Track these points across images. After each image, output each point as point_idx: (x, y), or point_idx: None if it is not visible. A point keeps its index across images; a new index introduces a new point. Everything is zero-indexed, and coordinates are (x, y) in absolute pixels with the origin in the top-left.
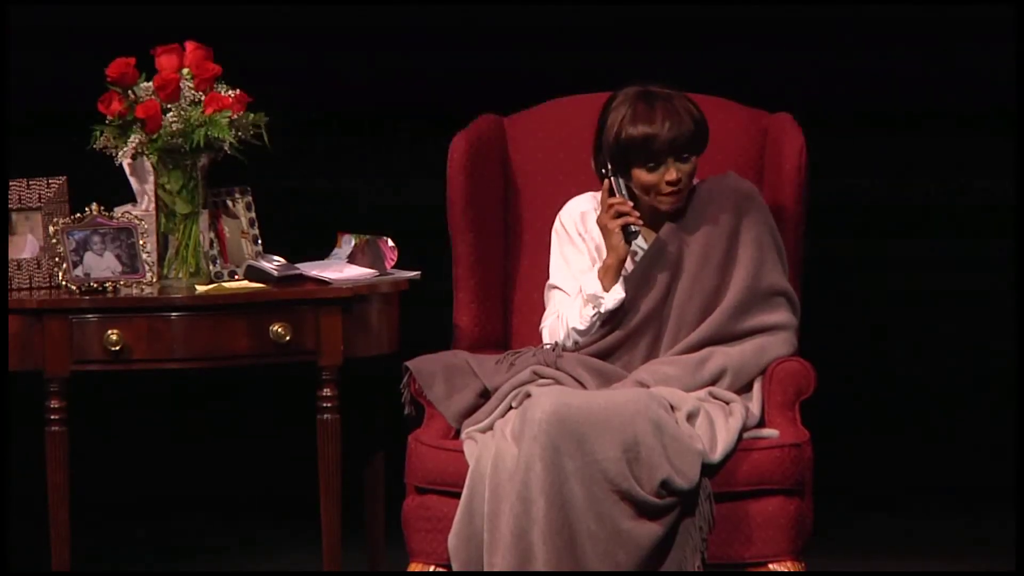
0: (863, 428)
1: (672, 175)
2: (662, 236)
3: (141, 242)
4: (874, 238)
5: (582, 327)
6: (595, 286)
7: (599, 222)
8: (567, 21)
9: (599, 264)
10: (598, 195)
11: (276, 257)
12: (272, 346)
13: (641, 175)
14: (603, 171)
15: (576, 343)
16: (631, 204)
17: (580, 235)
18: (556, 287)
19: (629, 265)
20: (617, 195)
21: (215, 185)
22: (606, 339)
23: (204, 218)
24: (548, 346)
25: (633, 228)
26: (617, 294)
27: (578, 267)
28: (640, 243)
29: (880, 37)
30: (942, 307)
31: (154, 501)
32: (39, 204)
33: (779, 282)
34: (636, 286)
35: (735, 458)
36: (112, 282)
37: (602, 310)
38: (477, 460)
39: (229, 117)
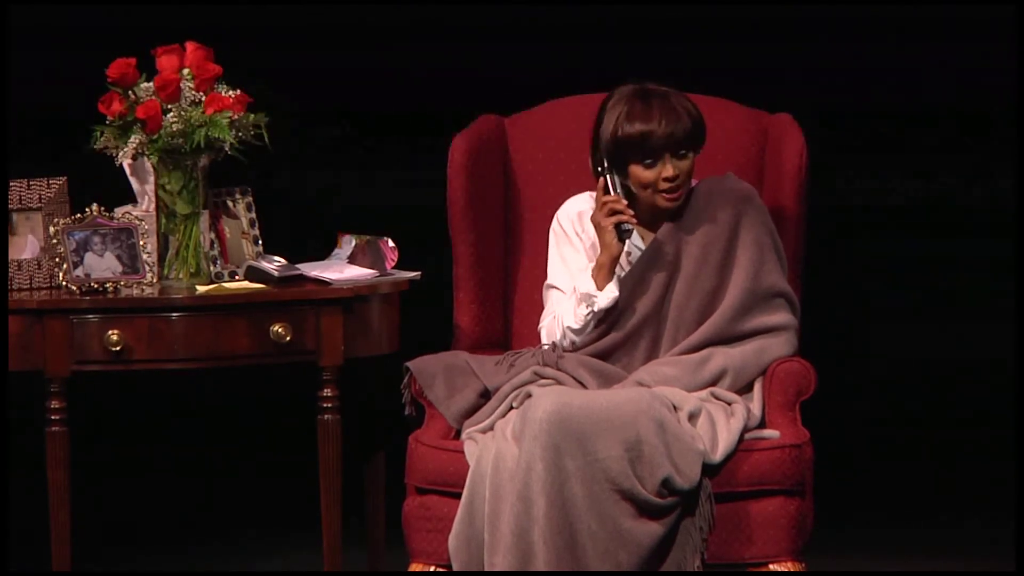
0: (863, 428)
1: (669, 171)
2: (660, 237)
3: (141, 242)
4: (874, 238)
5: (577, 326)
6: (589, 285)
7: (593, 219)
8: (567, 21)
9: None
10: (595, 194)
11: (276, 258)
12: (272, 346)
13: (638, 172)
14: (599, 169)
15: (573, 343)
16: (625, 202)
17: (577, 234)
18: (554, 287)
19: (625, 264)
20: (612, 193)
21: (215, 185)
22: (604, 340)
23: (204, 218)
24: (548, 346)
25: (626, 226)
26: (611, 293)
27: (576, 266)
28: (638, 243)
29: (880, 37)
30: (942, 306)
31: (154, 501)
32: (40, 204)
33: (778, 283)
34: (633, 287)
35: (736, 458)
36: (112, 282)
37: (595, 309)
38: (478, 460)
39: (229, 117)
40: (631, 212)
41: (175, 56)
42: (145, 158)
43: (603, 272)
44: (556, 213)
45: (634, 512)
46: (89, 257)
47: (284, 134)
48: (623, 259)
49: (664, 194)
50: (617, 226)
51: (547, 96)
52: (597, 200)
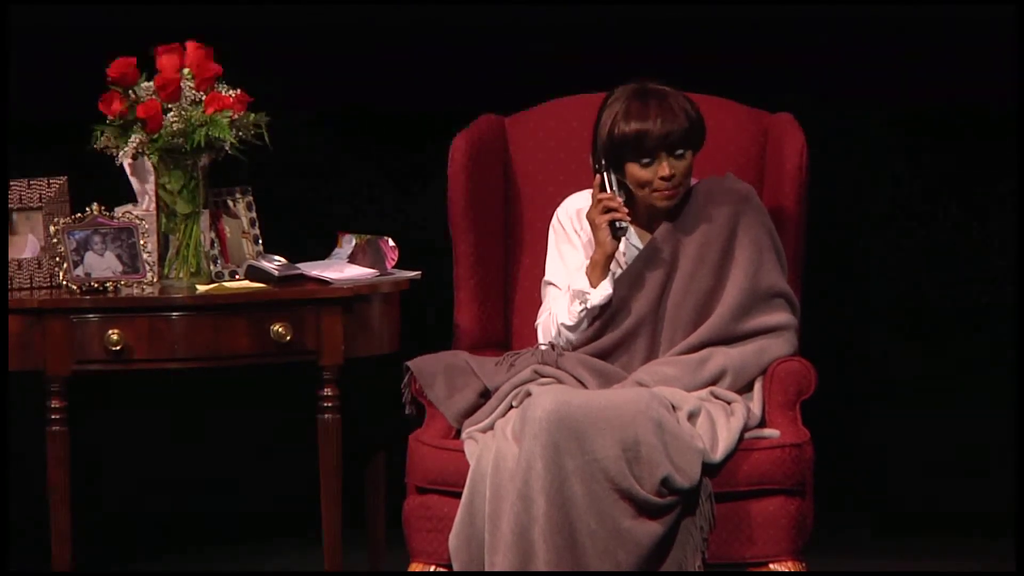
0: (863, 428)
1: (665, 170)
2: (657, 236)
3: (142, 242)
4: (874, 237)
5: (571, 323)
6: (584, 282)
7: (588, 217)
8: (567, 21)
9: None
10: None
11: (277, 257)
12: (273, 346)
13: (635, 170)
14: (596, 166)
15: (568, 341)
16: (620, 200)
17: (576, 232)
18: (551, 284)
19: (623, 263)
20: (608, 190)
21: (216, 185)
22: (602, 340)
23: (205, 218)
24: (547, 346)
25: (621, 224)
26: (604, 290)
27: (573, 264)
28: (635, 243)
29: (881, 37)
30: (942, 307)
31: (154, 501)
32: (40, 204)
33: (778, 283)
34: (630, 285)
35: (736, 458)
36: (113, 282)
37: (589, 306)
38: (478, 460)
39: (230, 117)
40: (626, 210)
41: (175, 56)
42: (145, 157)
43: (597, 270)
44: (556, 211)
45: (633, 512)
46: (89, 256)
47: (284, 133)
48: (621, 259)
49: (660, 193)
50: (612, 224)
51: (547, 96)
52: (593, 197)
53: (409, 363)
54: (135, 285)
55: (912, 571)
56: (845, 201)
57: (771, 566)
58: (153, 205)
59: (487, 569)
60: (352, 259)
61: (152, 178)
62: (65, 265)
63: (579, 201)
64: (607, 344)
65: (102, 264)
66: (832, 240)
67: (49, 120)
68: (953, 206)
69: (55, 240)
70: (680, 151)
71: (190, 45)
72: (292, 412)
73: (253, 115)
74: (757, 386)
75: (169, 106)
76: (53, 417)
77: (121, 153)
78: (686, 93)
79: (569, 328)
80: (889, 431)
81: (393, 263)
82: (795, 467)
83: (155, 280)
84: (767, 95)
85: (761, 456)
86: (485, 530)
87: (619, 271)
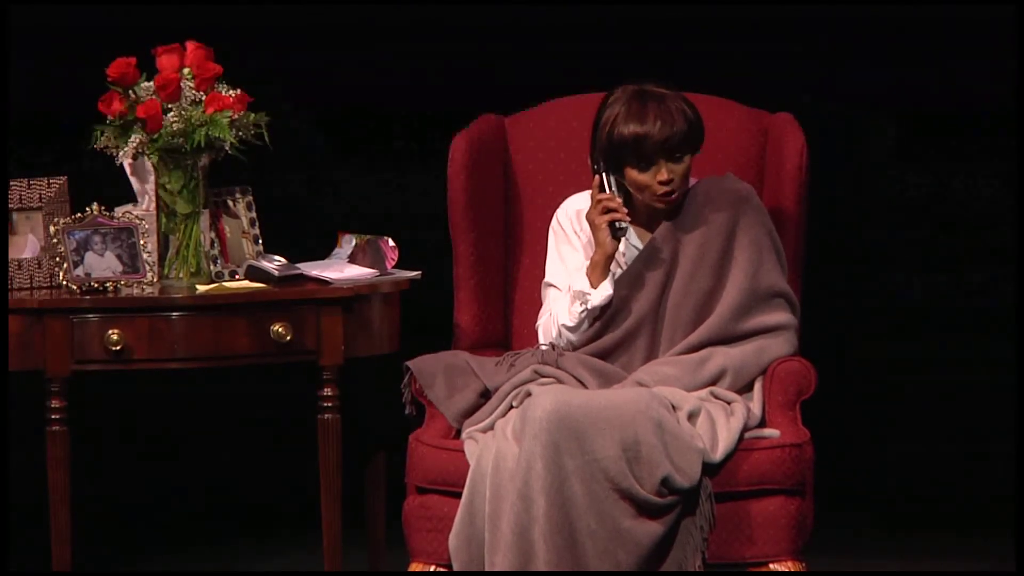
0: (863, 428)
1: (664, 175)
2: (657, 236)
3: (142, 242)
4: (875, 237)
5: (571, 324)
6: (584, 283)
7: (587, 217)
8: (567, 21)
9: None
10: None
11: (277, 257)
12: (273, 346)
13: (633, 175)
14: (595, 167)
15: (569, 341)
16: (620, 200)
17: (576, 233)
18: (551, 285)
19: (623, 264)
20: (607, 191)
21: (216, 185)
22: (602, 340)
23: (205, 218)
24: (547, 346)
25: (621, 224)
26: (605, 291)
27: (573, 265)
28: (635, 243)
29: (881, 37)
30: (942, 307)
31: (154, 501)
32: (40, 204)
33: (778, 283)
34: (629, 285)
35: (736, 458)
36: (113, 282)
37: (589, 307)
38: (478, 460)
39: (230, 117)
40: (625, 210)
41: (175, 56)
42: (145, 157)
43: (597, 270)
44: (556, 212)
45: (633, 512)
46: (89, 256)
47: (284, 133)
48: (620, 259)
49: (659, 197)
50: (611, 224)
51: (547, 96)
52: (592, 198)
53: (409, 363)
54: (135, 285)
55: (912, 571)
56: (845, 201)
57: (771, 566)
58: (153, 205)
59: (487, 569)
60: (352, 259)
61: (152, 178)
62: (65, 265)
63: (578, 202)
64: (607, 344)
65: (102, 264)
66: (832, 240)
67: (49, 120)
68: (953, 206)
69: (55, 240)
70: (679, 154)
71: (190, 45)
72: (292, 412)
73: (253, 115)
74: (757, 386)
75: (169, 106)
76: (53, 417)
77: (121, 153)
78: (684, 94)
79: (570, 329)
80: (889, 431)
81: (393, 263)
82: (795, 467)
83: (155, 280)
84: (767, 95)
85: (761, 456)
86: (485, 530)
87: (619, 271)
